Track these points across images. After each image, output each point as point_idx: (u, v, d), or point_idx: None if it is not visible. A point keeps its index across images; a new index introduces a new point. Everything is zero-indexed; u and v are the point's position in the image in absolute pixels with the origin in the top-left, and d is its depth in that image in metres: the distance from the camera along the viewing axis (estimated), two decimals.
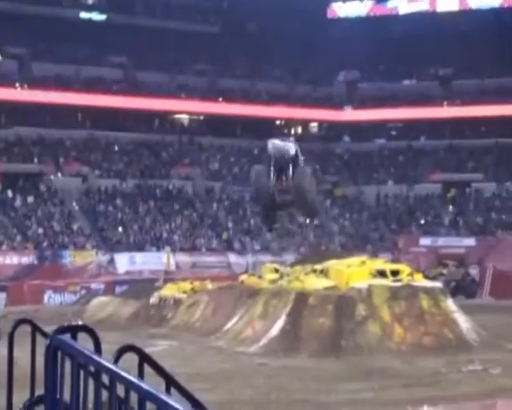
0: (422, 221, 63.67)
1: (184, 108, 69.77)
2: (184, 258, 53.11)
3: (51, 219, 55.82)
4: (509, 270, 39.81)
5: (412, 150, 70.69)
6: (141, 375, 4.34)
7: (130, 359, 4.58)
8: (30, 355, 5.64)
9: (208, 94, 68.37)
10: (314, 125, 75.98)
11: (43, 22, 61.74)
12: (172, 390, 4.38)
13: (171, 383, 4.41)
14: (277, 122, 73.40)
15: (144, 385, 3.58)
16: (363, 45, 65.07)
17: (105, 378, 4.00)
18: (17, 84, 63.36)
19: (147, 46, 65.53)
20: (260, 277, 21.94)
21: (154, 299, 26.58)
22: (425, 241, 57.04)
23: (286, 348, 17.84)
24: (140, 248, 54.97)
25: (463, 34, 65.81)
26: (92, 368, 4.10)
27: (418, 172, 68.74)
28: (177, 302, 24.70)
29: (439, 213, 64.56)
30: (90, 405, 4.26)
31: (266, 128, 69.47)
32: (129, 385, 3.68)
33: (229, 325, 20.33)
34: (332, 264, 21.31)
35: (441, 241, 57.46)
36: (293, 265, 23.53)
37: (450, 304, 19.34)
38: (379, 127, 72.06)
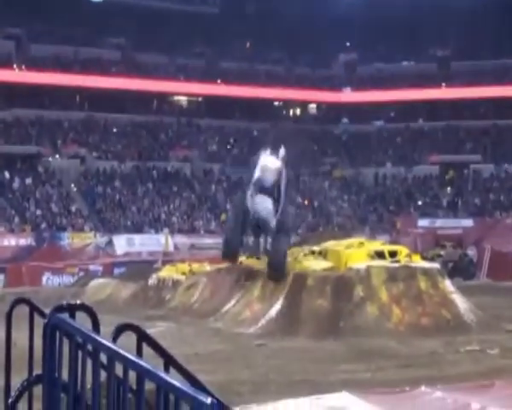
0: (420, 202, 63.65)
1: (183, 90, 69.57)
2: (183, 239, 53.03)
3: (49, 200, 55.74)
4: (506, 251, 39.82)
5: (410, 132, 70.58)
6: (139, 354, 4.33)
7: (129, 340, 4.58)
8: (28, 336, 5.62)
9: (207, 75, 68.16)
10: (313, 106, 75.82)
11: (40, 3, 61.35)
12: (171, 370, 4.39)
13: (169, 362, 4.41)
14: (276, 103, 73.29)
15: (143, 363, 3.57)
16: (362, 27, 64.86)
17: (103, 358, 3.98)
18: (15, 65, 63.13)
19: (145, 27, 65.16)
20: (259, 258, 21.92)
21: (152, 281, 26.61)
22: (423, 222, 56.94)
23: (284, 330, 17.86)
24: (138, 229, 54.93)
25: (462, 15, 65.46)
26: (90, 347, 4.09)
27: (416, 153, 68.70)
28: (176, 284, 24.70)
29: (437, 195, 64.53)
30: (88, 385, 4.25)
31: (265, 110, 69.41)
32: (128, 364, 3.66)
33: (228, 306, 20.33)
34: (330, 245, 21.33)
35: (439, 222, 57.39)
36: (291, 246, 23.47)
37: (447, 285, 19.37)
38: (377, 109, 71.85)
